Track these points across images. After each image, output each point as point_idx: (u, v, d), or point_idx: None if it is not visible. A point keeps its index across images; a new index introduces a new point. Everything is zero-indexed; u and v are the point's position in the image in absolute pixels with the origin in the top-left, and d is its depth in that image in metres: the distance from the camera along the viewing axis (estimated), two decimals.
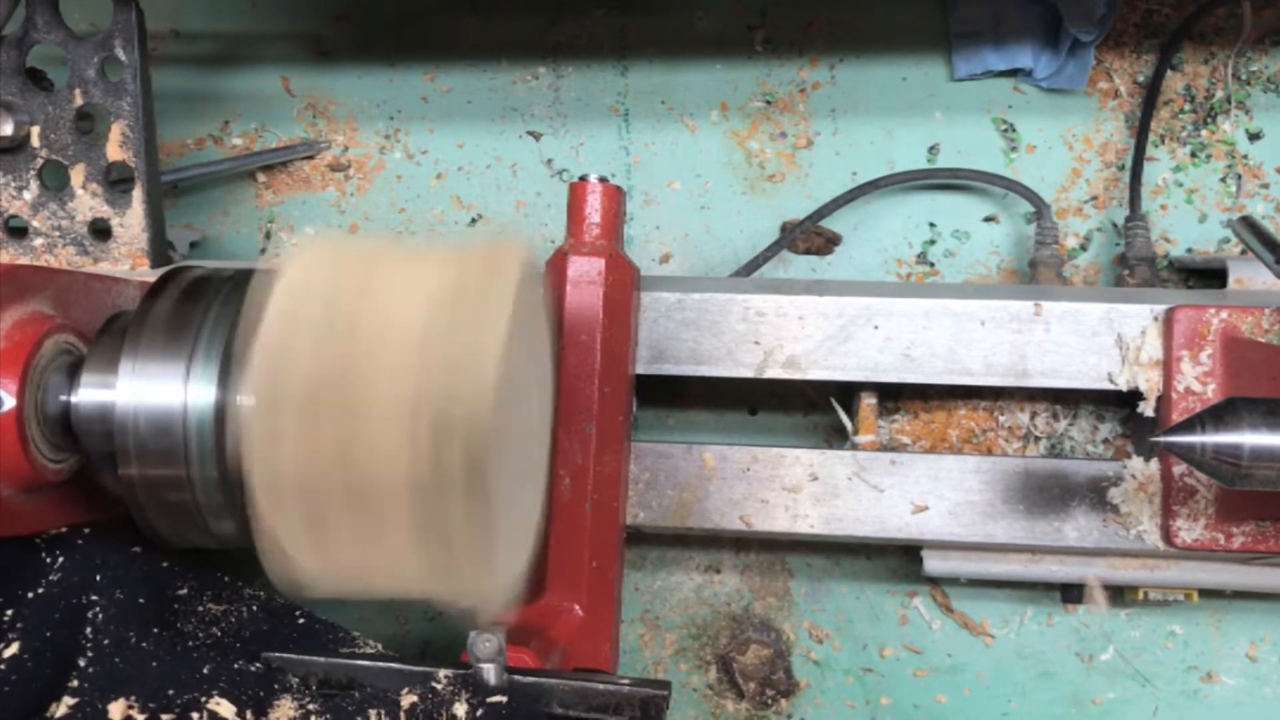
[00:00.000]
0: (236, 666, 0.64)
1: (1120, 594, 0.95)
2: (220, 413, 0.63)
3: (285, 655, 0.67)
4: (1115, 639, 0.96)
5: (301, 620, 0.74)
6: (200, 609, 0.71)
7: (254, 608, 0.74)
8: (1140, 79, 1.00)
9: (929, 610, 0.98)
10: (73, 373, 0.67)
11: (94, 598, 0.65)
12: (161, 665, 0.63)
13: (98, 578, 0.66)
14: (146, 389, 0.64)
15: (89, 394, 0.66)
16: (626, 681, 0.66)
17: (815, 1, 1.04)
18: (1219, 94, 0.99)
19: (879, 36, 1.03)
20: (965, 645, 0.98)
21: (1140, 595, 0.88)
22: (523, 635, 0.73)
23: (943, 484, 0.84)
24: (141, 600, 0.66)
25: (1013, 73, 1.01)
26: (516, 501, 0.63)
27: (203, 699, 0.62)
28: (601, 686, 0.65)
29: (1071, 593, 0.90)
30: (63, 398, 0.66)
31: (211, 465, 0.64)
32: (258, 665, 0.65)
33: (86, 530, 0.70)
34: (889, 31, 1.03)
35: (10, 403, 0.63)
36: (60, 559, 0.67)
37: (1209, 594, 0.94)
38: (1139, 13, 1.00)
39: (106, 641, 0.63)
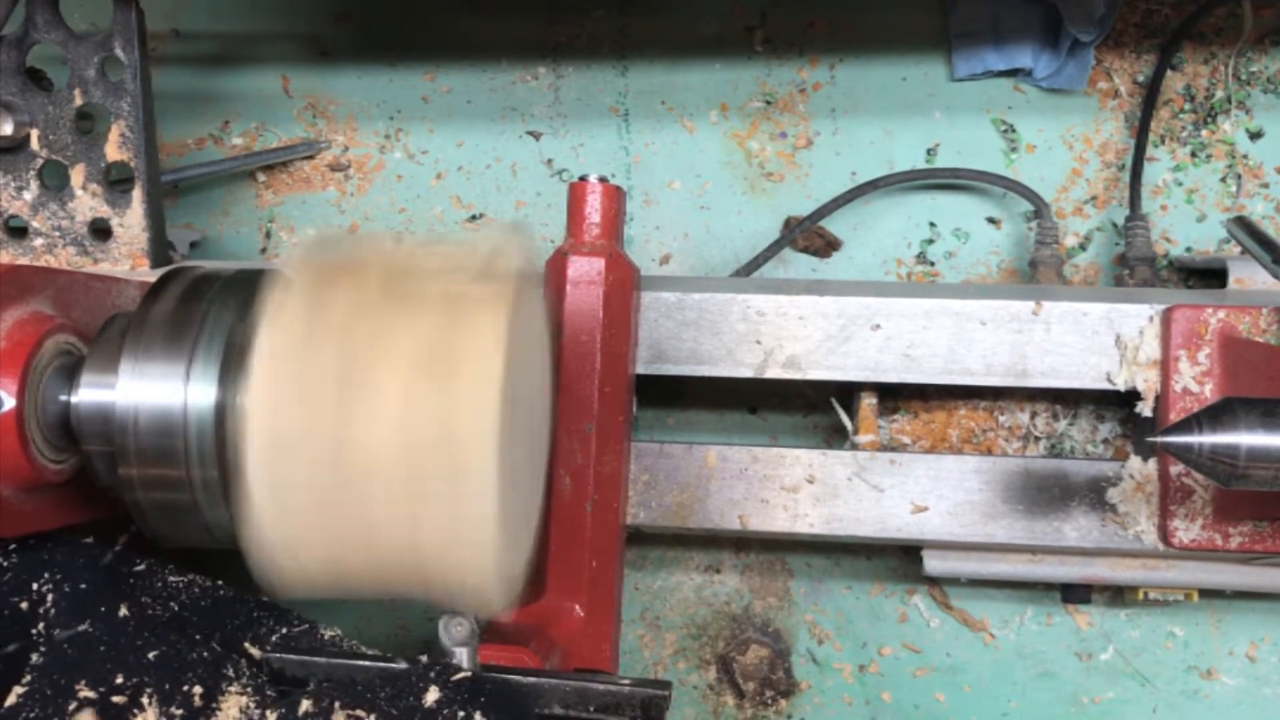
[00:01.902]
0: (186, 654, 0.64)
1: (1120, 594, 0.95)
2: (220, 413, 0.63)
3: (285, 656, 0.67)
4: (1115, 639, 0.96)
5: (263, 598, 0.74)
6: (159, 583, 0.71)
7: (215, 581, 0.74)
8: (1140, 79, 1.00)
9: (929, 610, 0.98)
10: (73, 373, 0.67)
11: (45, 591, 0.65)
12: (110, 649, 0.63)
13: (45, 574, 0.66)
14: (147, 389, 0.64)
15: (89, 394, 0.66)
16: (627, 682, 0.66)
17: (815, 1, 1.04)
18: (1219, 94, 0.99)
19: (879, 36, 1.03)
20: (965, 645, 0.98)
21: (1140, 595, 0.88)
22: (523, 635, 0.73)
23: (943, 484, 0.84)
24: (92, 587, 0.66)
25: (1013, 73, 1.01)
26: (516, 499, 0.63)
27: (148, 687, 0.62)
28: (602, 687, 0.65)
29: (1071, 593, 0.90)
30: (63, 398, 0.66)
31: (212, 465, 0.64)
32: (211, 649, 0.65)
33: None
34: (889, 31, 1.03)
35: (10, 403, 0.63)
36: (13, 559, 0.67)
37: (1209, 594, 0.94)
38: (1139, 13, 1.00)
39: (57, 631, 0.63)
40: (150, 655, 0.63)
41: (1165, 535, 0.79)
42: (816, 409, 1.00)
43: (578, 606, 0.80)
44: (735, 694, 1.00)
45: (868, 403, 0.89)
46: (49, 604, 0.65)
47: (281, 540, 0.57)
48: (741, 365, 0.86)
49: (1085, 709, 0.97)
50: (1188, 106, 1.00)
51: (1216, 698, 0.95)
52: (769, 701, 0.99)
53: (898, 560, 0.99)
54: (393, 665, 0.65)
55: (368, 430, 0.56)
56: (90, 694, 0.61)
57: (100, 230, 0.91)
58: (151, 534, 0.67)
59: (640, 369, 0.86)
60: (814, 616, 1.00)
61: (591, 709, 0.65)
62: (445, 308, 0.58)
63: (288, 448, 0.56)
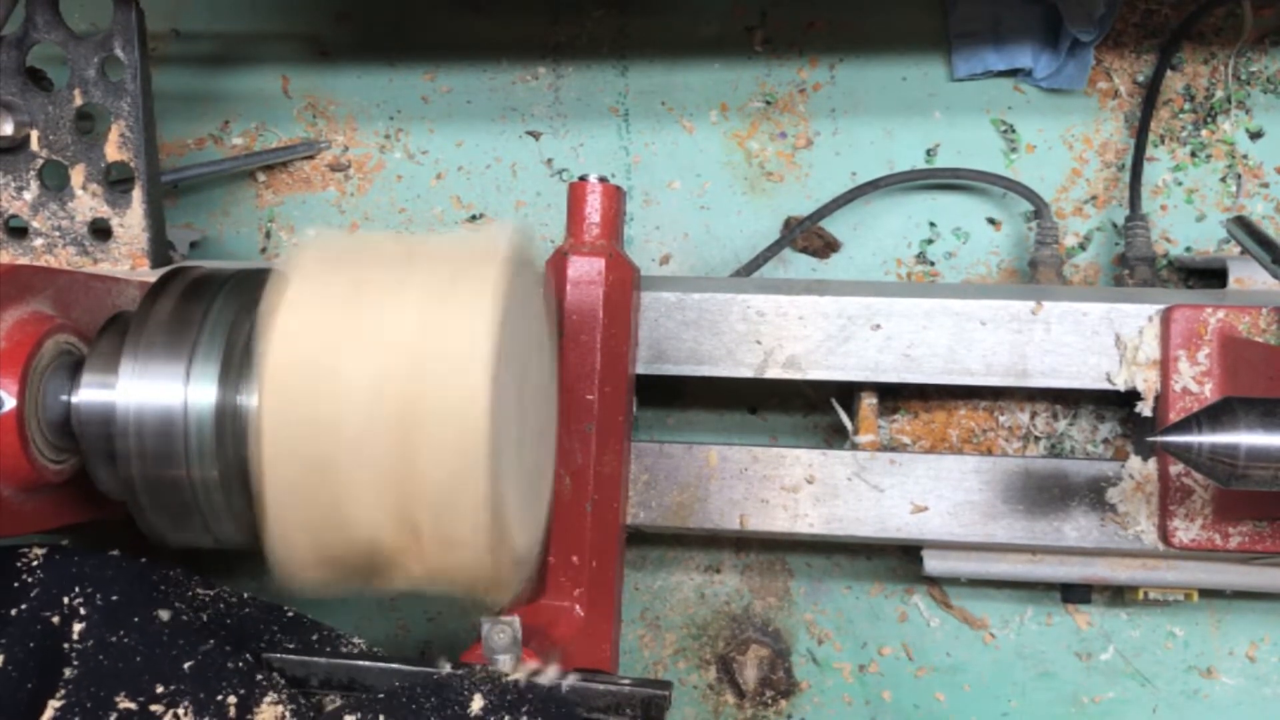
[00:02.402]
0: (222, 663, 0.64)
1: (1120, 594, 0.95)
2: (220, 413, 0.63)
3: (286, 656, 0.67)
4: (1115, 639, 0.96)
5: (290, 614, 0.74)
6: (189, 593, 0.71)
7: (242, 595, 0.74)
8: (1140, 79, 1.00)
9: (929, 609, 0.98)
10: (73, 373, 0.67)
11: (77, 605, 0.65)
12: (145, 659, 0.63)
13: (76, 588, 0.66)
14: (147, 389, 0.64)
15: (89, 394, 0.66)
16: (627, 682, 0.66)
17: (815, 1, 1.04)
18: (1219, 94, 0.99)
19: (879, 36, 1.03)
20: (965, 645, 0.98)
21: (1140, 595, 0.88)
22: (523, 635, 0.73)
23: (943, 484, 0.84)
24: (123, 599, 0.66)
25: (1013, 73, 1.01)
26: (522, 494, 0.63)
27: (185, 697, 0.62)
28: (602, 687, 0.65)
29: (1071, 593, 0.90)
30: (63, 398, 0.66)
31: (212, 465, 0.64)
32: (243, 660, 0.65)
33: (64, 543, 0.70)
34: (889, 31, 1.03)
35: (10, 403, 0.63)
36: (39, 574, 0.67)
37: (1209, 594, 0.94)
38: (1139, 13, 1.00)
39: (91, 643, 0.63)
40: (186, 665, 0.63)
41: (1165, 535, 0.79)
42: (816, 409, 1.00)
43: (578, 606, 0.80)
44: (735, 694, 1.00)
45: (868, 403, 0.89)
46: (82, 616, 0.65)
47: (289, 532, 0.58)
48: (741, 365, 0.86)
49: (1085, 709, 0.97)
50: (1188, 106, 1.00)
51: (1216, 698, 0.95)
52: (769, 701, 0.99)
53: (898, 560, 0.99)
54: (394, 666, 0.65)
55: (367, 416, 0.56)
56: (129, 704, 0.61)
57: (100, 230, 0.91)
58: (151, 534, 0.67)
59: (640, 369, 0.86)
60: (814, 616, 1.00)
61: (592, 709, 0.65)
62: (440, 290, 0.58)
63: (295, 440, 0.56)
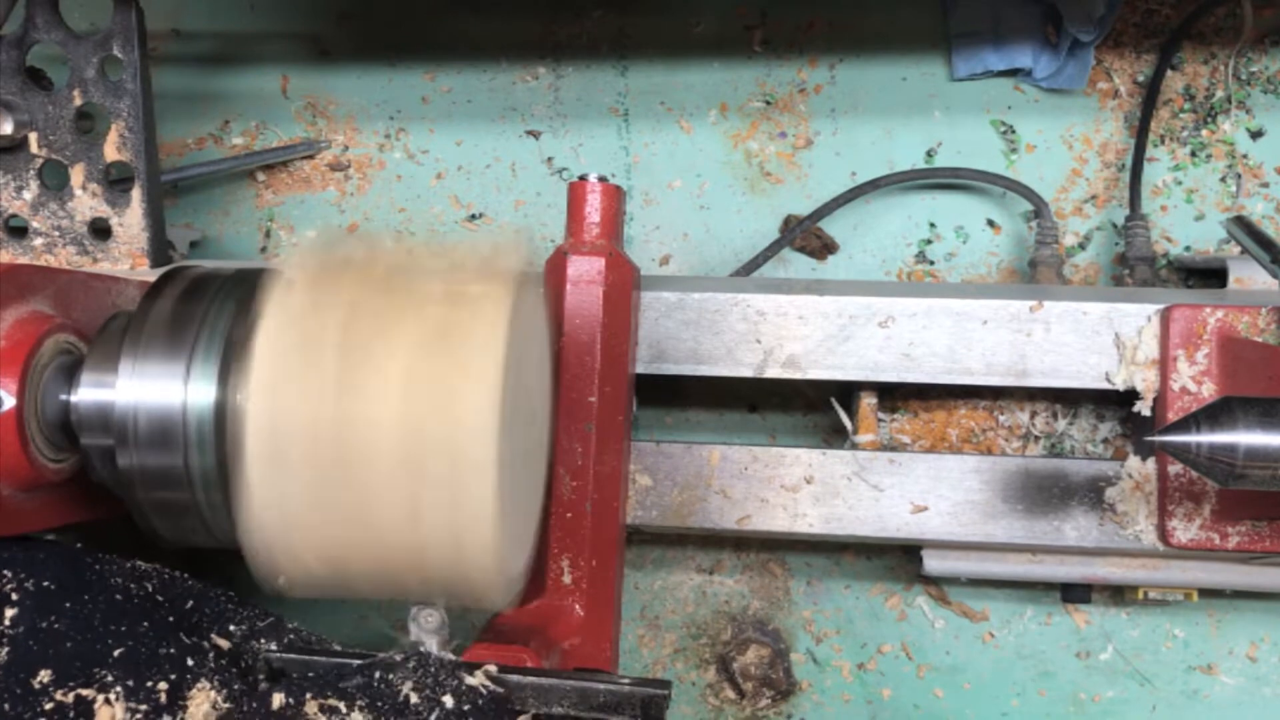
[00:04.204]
0: (154, 649, 0.64)
1: (1120, 594, 0.95)
2: (220, 412, 0.63)
3: (285, 655, 0.67)
4: (1115, 639, 0.96)
5: (230, 591, 0.74)
6: (128, 565, 0.70)
7: (181, 573, 0.73)
8: (1140, 79, 1.00)
9: (929, 609, 0.98)
10: (73, 372, 0.67)
11: (9, 590, 0.65)
12: (76, 646, 0.63)
13: (8, 573, 0.66)
14: (146, 388, 0.64)
15: (89, 393, 0.66)
16: (627, 681, 0.66)
17: (815, 1, 1.04)
18: (1219, 94, 0.99)
19: (879, 36, 1.03)
20: (965, 644, 0.98)
21: (1140, 595, 0.88)
22: (523, 635, 0.73)
23: (942, 484, 0.84)
24: (56, 585, 0.66)
25: (1013, 73, 1.01)
26: (516, 493, 0.63)
27: (116, 684, 0.62)
28: (602, 686, 0.65)
29: (1071, 592, 0.90)
30: (63, 397, 0.67)
31: (211, 464, 0.64)
32: (179, 643, 0.65)
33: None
34: (889, 31, 1.03)
35: (10, 402, 0.63)
36: None
37: (1209, 594, 0.94)
38: (1139, 13, 1.00)
39: (22, 629, 0.63)
40: (116, 651, 0.63)
41: (1164, 535, 0.79)
42: (816, 409, 1.00)
43: (578, 606, 0.80)
44: (735, 694, 1.00)
45: (867, 402, 0.89)
46: (13, 601, 0.65)
47: (281, 537, 0.57)
48: (741, 365, 0.86)
49: (1085, 708, 0.97)
50: (1188, 106, 1.00)
51: (1216, 698, 0.95)
52: (769, 701, 0.99)
53: (897, 560, 0.99)
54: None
55: (367, 423, 0.56)
56: (59, 689, 0.61)
57: (100, 230, 0.91)
58: (152, 533, 0.67)
59: (640, 369, 0.86)
60: (814, 616, 1.00)
61: (591, 709, 0.65)
62: (446, 304, 0.58)
63: (286, 442, 0.56)
